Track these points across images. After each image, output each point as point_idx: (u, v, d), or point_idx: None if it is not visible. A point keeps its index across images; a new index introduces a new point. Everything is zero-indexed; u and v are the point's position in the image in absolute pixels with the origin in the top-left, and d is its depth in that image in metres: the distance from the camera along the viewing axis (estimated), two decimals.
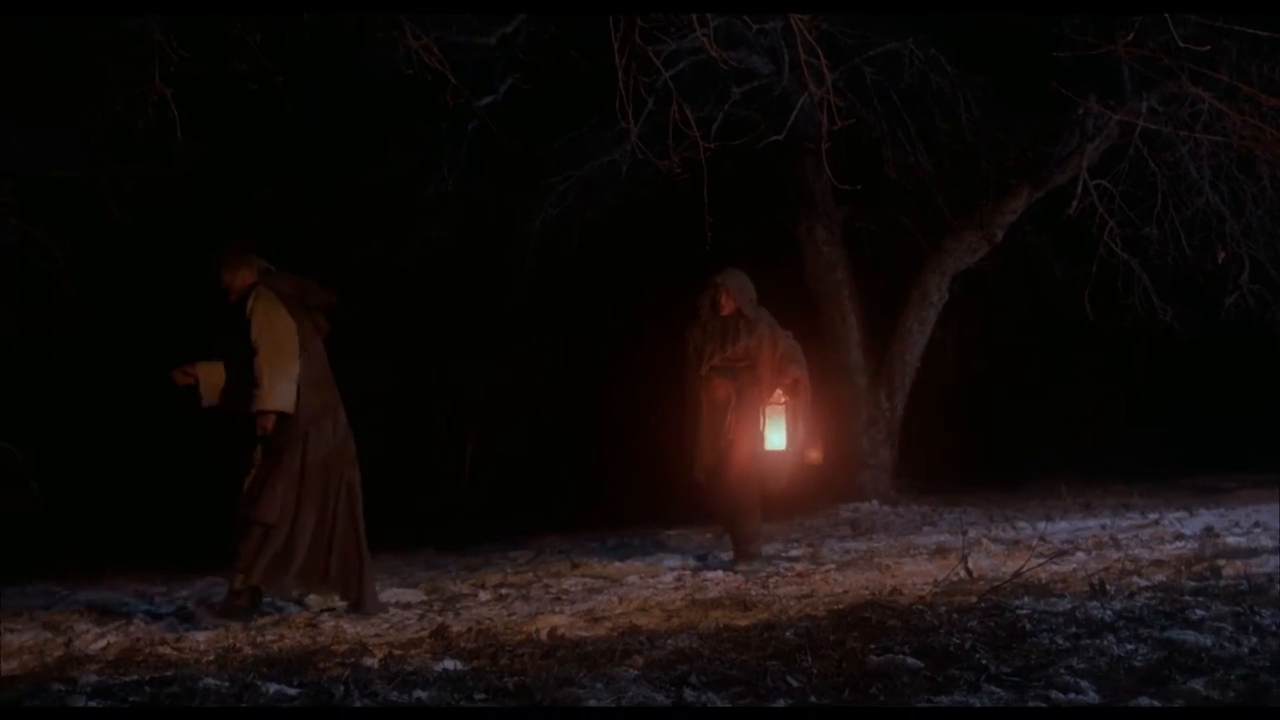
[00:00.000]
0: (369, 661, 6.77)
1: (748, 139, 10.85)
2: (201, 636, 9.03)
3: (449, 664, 6.49)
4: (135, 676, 6.11)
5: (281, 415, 9.36)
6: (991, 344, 20.19)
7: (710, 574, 10.58)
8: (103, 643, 9.34)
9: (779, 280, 18.25)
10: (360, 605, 9.60)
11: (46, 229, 16.09)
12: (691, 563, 11.76)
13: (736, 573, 10.61)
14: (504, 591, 10.59)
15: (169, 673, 6.39)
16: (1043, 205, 16.36)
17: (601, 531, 17.00)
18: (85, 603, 12.59)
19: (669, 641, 6.78)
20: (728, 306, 11.08)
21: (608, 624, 8.01)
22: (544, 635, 7.54)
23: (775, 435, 10.88)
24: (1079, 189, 14.12)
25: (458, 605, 9.86)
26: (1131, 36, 10.09)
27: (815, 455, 11.20)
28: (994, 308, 19.21)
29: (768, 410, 10.89)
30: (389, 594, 10.76)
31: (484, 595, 10.31)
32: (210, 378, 9.65)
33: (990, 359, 20.34)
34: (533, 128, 14.61)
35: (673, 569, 11.27)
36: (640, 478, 20.00)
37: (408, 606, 10.01)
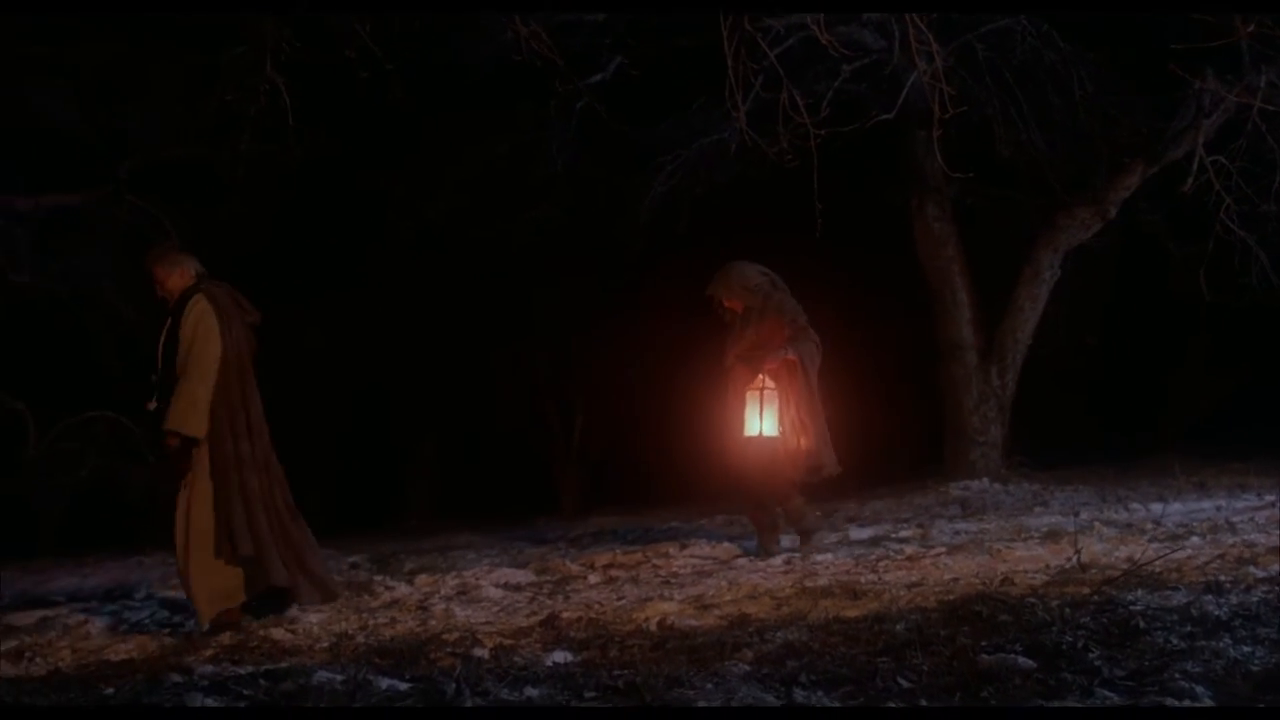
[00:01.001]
0: (479, 652, 6.80)
1: (858, 124, 10.74)
2: (315, 619, 9.13)
3: (559, 656, 6.52)
4: (250, 668, 6.18)
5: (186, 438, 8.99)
6: (1104, 321, 19.96)
7: (821, 557, 10.53)
8: None
9: (890, 256, 18.24)
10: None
11: (164, 208, 16.34)
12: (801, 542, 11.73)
13: (804, 556, 10.70)
14: (613, 573, 10.61)
15: (284, 664, 6.46)
16: (1157, 181, 16.12)
17: (711, 507, 17.00)
18: None
19: (778, 634, 6.76)
20: (731, 307, 11.04)
21: (717, 612, 7.98)
22: (653, 625, 7.53)
23: (754, 421, 10.73)
24: (1194, 165, 13.87)
25: (567, 588, 9.89)
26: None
27: (805, 442, 10.77)
28: (1107, 284, 18.98)
29: (748, 395, 10.79)
30: (499, 574, 10.82)
31: (593, 577, 10.34)
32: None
33: (1103, 336, 20.12)
34: (641, 107, 14.57)
35: (782, 550, 11.24)
36: None
37: (517, 588, 10.05)
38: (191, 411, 8.92)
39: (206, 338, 8.99)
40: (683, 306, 19.69)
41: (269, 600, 9.34)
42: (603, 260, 16.97)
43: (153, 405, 9.22)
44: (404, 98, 11.81)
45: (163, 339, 9.28)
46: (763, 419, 10.69)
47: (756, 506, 11.19)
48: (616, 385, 19.98)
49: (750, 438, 10.75)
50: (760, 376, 10.74)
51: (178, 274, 9.29)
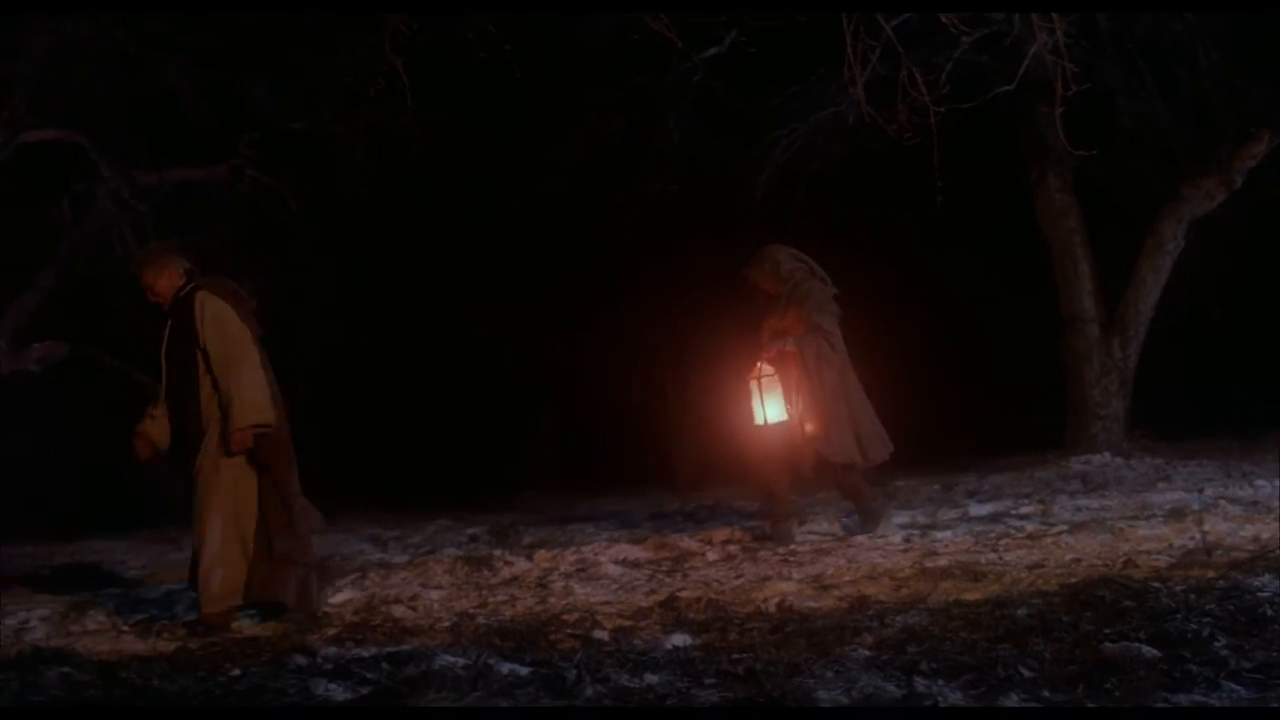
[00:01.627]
0: (599, 634, 6.84)
1: (978, 100, 10.62)
2: (436, 596, 9.21)
3: (678, 639, 6.54)
4: (374, 649, 6.23)
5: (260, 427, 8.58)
6: (1229, 292, 19.64)
7: (940, 535, 10.47)
8: (341, 598, 9.59)
9: (1011, 227, 18.07)
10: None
11: (284, 182, 16.49)
12: (921, 519, 11.68)
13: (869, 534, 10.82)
14: (731, 550, 10.61)
15: (406, 646, 6.52)
16: None
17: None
18: (321, 551, 12.92)
19: (898, 618, 6.74)
20: (764, 289, 11.15)
21: (836, 593, 7.97)
22: (772, 606, 7.54)
23: (759, 409, 10.76)
24: None
25: (685, 565, 9.90)
26: None
27: (811, 427, 10.74)
28: (1233, 255, 18.67)
29: (750, 384, 10.84)
30: (617, 550, 10.86)
31: (711, 554, 10.34)
32: (157, 431, 9.02)
33: (1227, 308, 19.79)
34: (758, 79, 14.49)
35: (902, 527, 11.20)
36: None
37: (636, 565, 10.08)
38: (263, 400, 8.61)
39: (234, 327, 8.72)
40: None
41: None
42: (718, 234, 16.90)
43: (158, 411, 9.00)
44: (521, 76, 11.78)
45: (165, 344, 9.03)
46: (765, 406, 10.73)
47: (770, 495, 11.19)
48: (731, 357, 19.94)
49: (760, 426, 10.78)
50: (758, 365, 10.80)
51: (166, 276, 8.99)
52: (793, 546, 10.45)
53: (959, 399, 20.58)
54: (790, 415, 10.72)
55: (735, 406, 11.07)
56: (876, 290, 19.78)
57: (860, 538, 10.64)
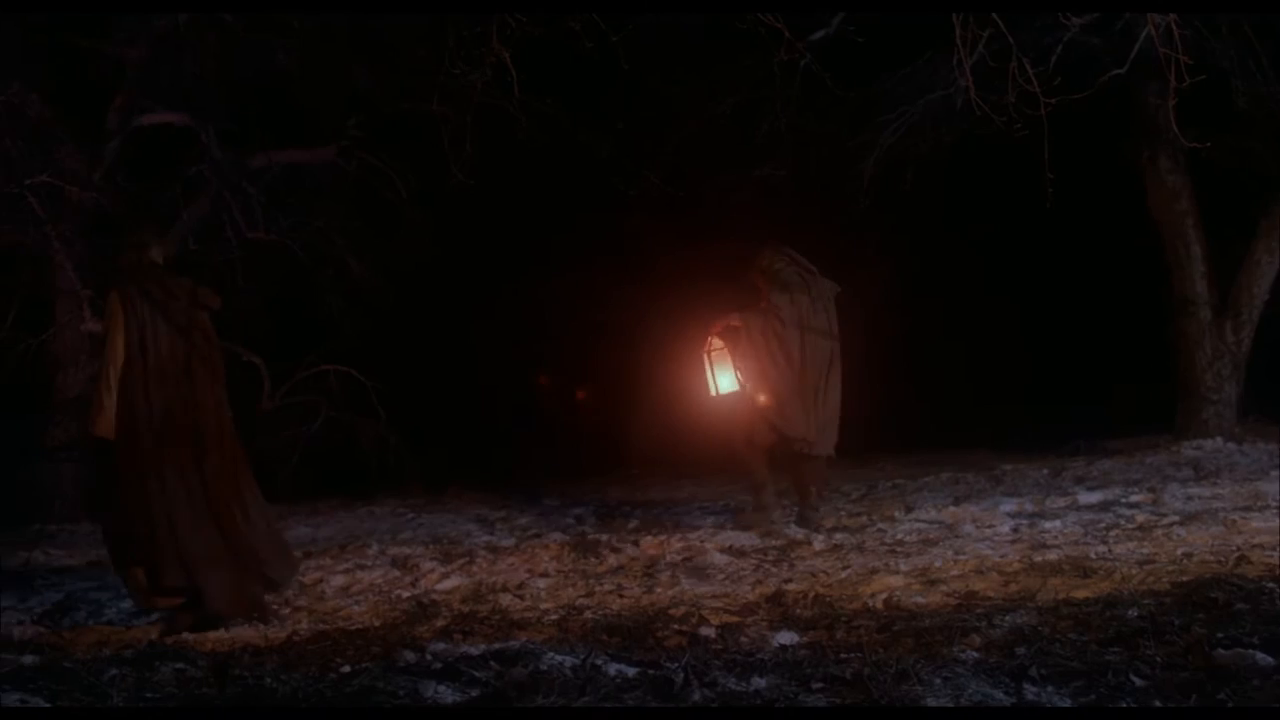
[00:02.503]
0: (706, 631, 6.84)
1: (1088, 90, 10.47)
2: (543, 584, 9.25)
3: (785, 637, 6.53)
4: (482, 647, 6.27)
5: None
6: None
7: (1049, 524, 10.38)
8: (449, 584, 9.65)
9: (1121, 210, 17.87)
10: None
11: (392, 164, 16.63)
12: (1029, 507, 11.59)
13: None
14: (838, 538, 10.58)
15: (514, 643, 6.55)
16: None
17: (938, 462, 16.89)
18: (429, 532, 13.04)
19: (1006, 618, 6.69)
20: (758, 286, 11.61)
21: (944, 588, 7.93)
22: (879, 603, 7.52)
23: (711, 382, 11.33)
24: None
25: (792, 555, 9.88)
26: None
27: (763, 399, 11.27)
28: None
29: (703, 357, 11.38)
30: (724, 537, 10.87)
31: (817, 543, 10.31)
32: None
33: None
34: (866, 63, 14.39)
35: (1009, 514, 11.13)
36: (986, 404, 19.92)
37: (742, 554, 10.07)
38: (98, 414, 8.43)
39: (111, 337, 8.45)
40: (901, 263, 19.67)
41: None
42: (827, 217, 16.86)
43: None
44: (628, 68, 11.79)
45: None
46: (717, 377, 11.28)
47: (753, 483, 11.77)
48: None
49: (714, 397, 11.34)
50: (709, 340, 11.34)
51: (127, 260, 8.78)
52: (899, 536, 10.41)
53: (1066, 382, 20.48)
54: (741, 386, 11.26)
55: (691, 380, 11.59)
56: (982, 276, 19.77)
57: (968, 527, 10.57)
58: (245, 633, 8.18)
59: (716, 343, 11.28)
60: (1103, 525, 10.14)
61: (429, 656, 6.10)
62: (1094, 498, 11.77)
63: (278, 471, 15.94)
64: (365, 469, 17.70)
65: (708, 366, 11.30)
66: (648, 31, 12.41)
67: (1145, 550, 8.87)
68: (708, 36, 14.03)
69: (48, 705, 5.10)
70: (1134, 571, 7.97)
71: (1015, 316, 20.52)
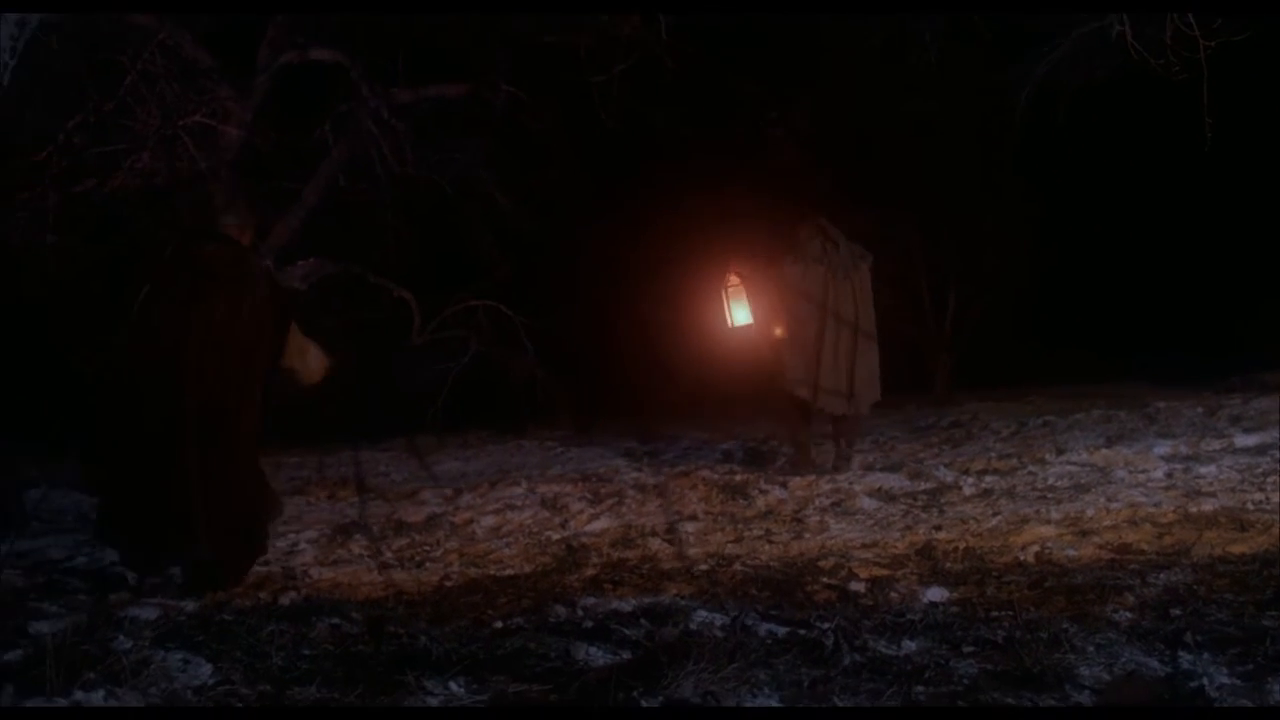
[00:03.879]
0: (855, 586, 6.83)
1: (1250, 31, 10.17)
2: (691, 529, 9.29)
3: (935, 593, 6.51)
4: (632, 604, 6.29)
5: None
6: None
7: (1204, 469, 10.22)
8: (599, 525, 9.73)
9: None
10: None
11: (540, 99, 16.60)
12: (1184, 449, 11.41)
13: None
14: (987, 482, 10.51)
15: (664, 598, 6.58)
16: None
17: (1088, 396, 16.70)
18: (577, 467, 13.12)
19: (1161, 576, 6.63)
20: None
21: (1096, 540, 7.86)
22: (1031, 556, 7.46)
23: (728, 315, 11.93)
24: None
25: (941, 500, 9.84)
26: None
27: (780, 331, 11.90)
28: None
29: (721, 293, 11.97)
30: (873, 479, 10.84)
31: (967, 488, 10.25)
32: None
33: None
34: None
35: (1163, 458, 10.97)
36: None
37: (891, 498, 10.06)
38: None
39: None
40: (1056, 200, 19.37)
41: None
42: (978, 152, 16.67)
43: None
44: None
45: None
46: (733, 311, 11.86)
47: (792, 436, 12.42)
48: (984, 268, 19.73)
49: (731, 329, 11.94)
50: (729, 276, 11.92)
51: None
52: (1050, 481, 10.32)
53: (1221, 315, 20.17)
54: (756, 319, 11.86)
55: (708, 312, 12.16)
56: (1137, 208, 19.41)
57: (1120, 471, 10.45)
58: (399, 576, 8.30)
59: (733, 279, 11.87)
60: (1260, 471, 9.96)
61: (580, 612, 6.14)
62: (1251, 440, 11.52)
63: (429, 406, 16.05)
64: (514, 403, 17.80)
65: (725, 301, 11.88)
66: None
67: None
68: None
69: (210, 664, 5.19)
70: None
71: (1170, 245, 20.18)
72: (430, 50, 16.74)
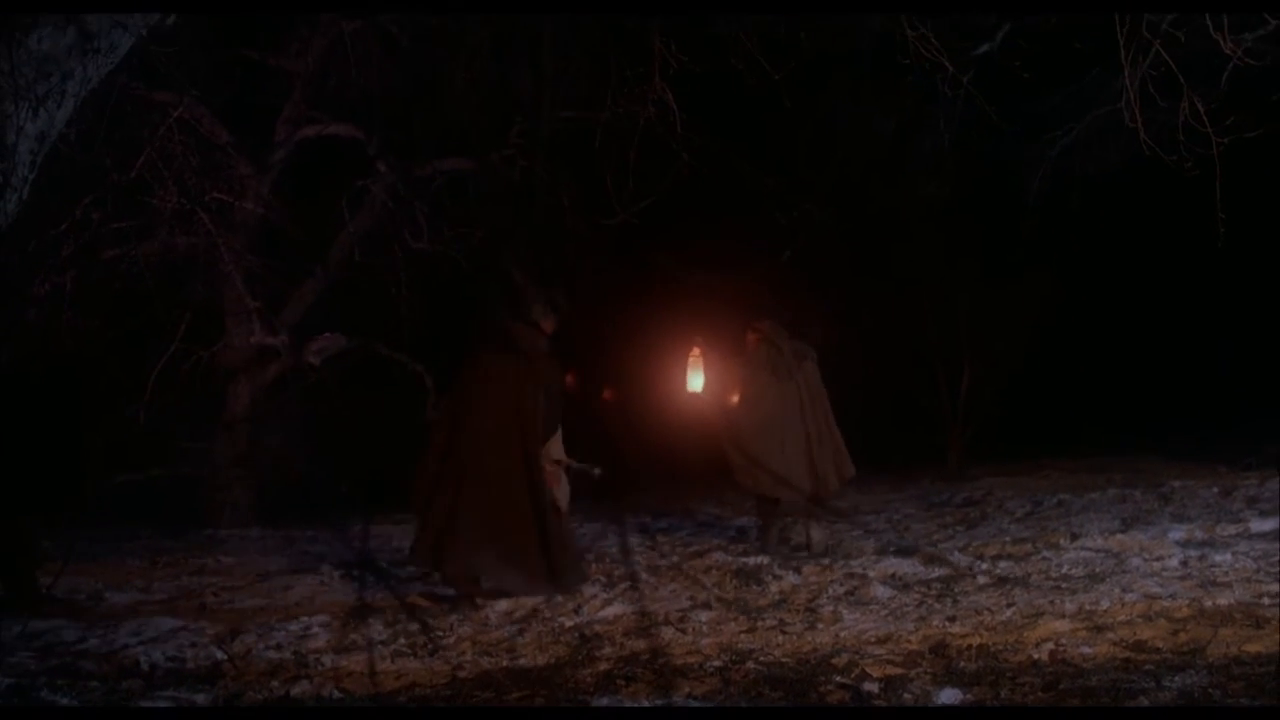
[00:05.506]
0: (869, 687, 6.82)
1: (1261, 129, 10.21)
2: (704, 618, 9.23)
3: (949, 695, 6.50)
4: (645, 701, 6.26)
5: None
6: None
7: (1219, 557, 10.19)
8: (610, 613, 9.70)
9: None
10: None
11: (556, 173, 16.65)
12: (1199, 534, 11.40)
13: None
14: (1001, 568, 10.48)
15: (677, 700, 6.55)
16: None
17: (1104, 471, 16.70)
18: (592, 544, 13.09)
19: (1176, 678, 6.61)
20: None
21: (1110, 636, 7.82)
22: (1045, 655, 7.43)
23: (686, 381, 12.50)
24: None
25: (955, 589, 9.78)
26: None
27: (732, 399, 12.45)
28: None
29: (688, 359, 12.52)
30: (887, 564, 10.82)
31: (981, 576, 10.20)
32: None
33: None
34: (1033, 79, 14.14)
35: (1178, 543, 10.96)
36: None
37: (905, 587, 9.99)
38: None
39: None
40: (1068, 282, 19.40)
41: None
42: (991, 234, 16.73)
43: None
44: (789, 105, 11.77)
45: None
46: (690, 379, 12.44)
47: (760, 512, 12.75)
48: (998, 345, 19.76)
49: (690, 393, 12.47)
50: (693, 347, 12.49)
51: None
52: (1064, 570, 10.27)
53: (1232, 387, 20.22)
54: (709, 388, 12.45)
55: (673, 376, 12.70)
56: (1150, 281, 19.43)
57: (1135, 560, 10.41)
58: (411, 665, 8.29)
59: (695, 351, 12.47)
60: (1275, 559, 9.92)
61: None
62: (1267, 525, 11.50)
63: None
64: None
65: (688, 368, 12.45)
66: (811, 56, 12.31)
67: None
68: (871, 52, 13.88)
69: None
70: None
71: (1186, 320, 20.23)
72: (446, 125, 16.84)
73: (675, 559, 11.98)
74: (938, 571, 10.50)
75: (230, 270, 15.59)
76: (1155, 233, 18.07)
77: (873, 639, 8.27)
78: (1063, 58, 13.80)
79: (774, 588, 10.26)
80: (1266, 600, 8.53)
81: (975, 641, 7.91)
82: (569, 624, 9.36)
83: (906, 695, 6.59)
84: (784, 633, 8.67)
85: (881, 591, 9.79)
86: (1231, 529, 11.46)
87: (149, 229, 14.40)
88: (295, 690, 7.24)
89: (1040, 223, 15.81)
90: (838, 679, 7.10)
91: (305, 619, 9.78)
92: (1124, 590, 9.18)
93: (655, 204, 15.14)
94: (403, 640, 9.10)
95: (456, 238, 16.70)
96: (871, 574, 10.47)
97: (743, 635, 8.66)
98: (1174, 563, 10.16)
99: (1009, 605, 9.02)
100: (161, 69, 13.25)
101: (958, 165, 15.43)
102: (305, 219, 16.30)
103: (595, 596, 10.28)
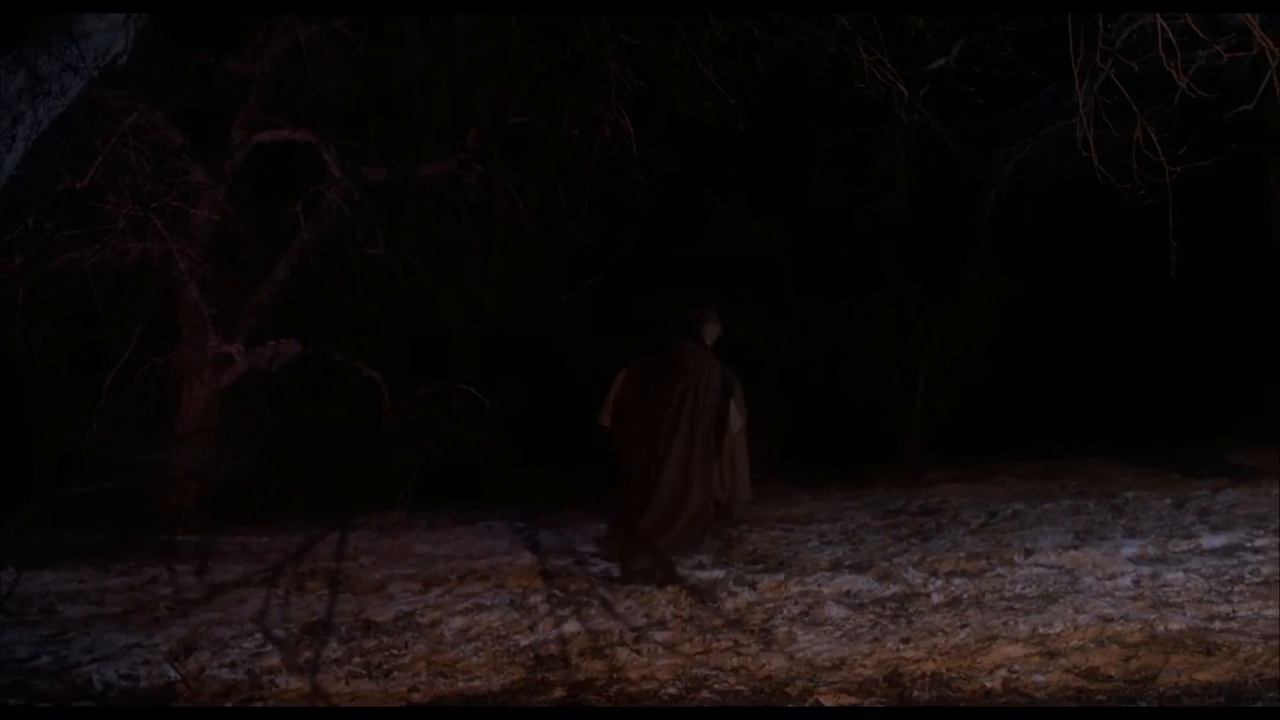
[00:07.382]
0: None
1: (1215, 158, 10.26)
2: (660, 638, 9.23)
3: None
4: None
5: None
6: None
7: (1171, 575, 10.23)
8: (565, 630, 9.68)
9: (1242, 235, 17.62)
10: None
11: (513, 180, 16.61)
12: (1151, 550, 11.44)
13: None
14: (955, 585, 10.48)
15: None
16: None
17: (1058, 478, 16.80)
18: (547, 557, 13.09)
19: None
20: None
21: (1063, 663, 7.86)
22: (998, 683, 7.47)
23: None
24: None
25: (910, 609, 9.79)
26: None
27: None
28: None
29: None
30: (841, 581, 10.82)
31: (935, 595, 10.20)
32: None
33: None
34: (987, 94, 14.18)
35: (1131, 561, 11.00)
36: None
37: (860, 606, 9.98)
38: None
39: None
40: (1024, 292, 19.50)
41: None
42: (947, 251, 16.81)
43: None
44: (745, 130, 11.79)
45: None
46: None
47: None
48: (957, 352, 19.82)
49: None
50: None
51: None
52: (1018, 589, 10.29)
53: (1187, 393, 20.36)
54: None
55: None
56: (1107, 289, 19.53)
57: (1088, 579, 10.43)
58: (366, 687, 8.29)
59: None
60: (1227, 579, 9.99)
61: None
62: (1218, 541, 11.55)
63: (398, 486, 15.93)
64: (484, 485, 17.76)
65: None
66: (766, 80, 12.32)
67: (1270, 613, 8.75)
68: (827, 68, 13.89)
69: None
70: (1259, 649, 7.85)
71: (1143, 326, 20.37)
72: (402, 131, 16.79)
73: None
74: (892, 589, 10.51)
75: (185, 277, 15.52)
76: (1112, 240, 18.13)
77: (827, 663, 8.29)
78: (1018, 74, 13.83)
79: (729, 604, 10.25)
80: (1217, 624, 8.58)
81: (929, 668, 7.94)
82: (524, 643, 9.36)
83: None
84: (739, 654, 8.67)
85: (836, 611, 9.79)
86: (1184, 545, 11.51)
87: (102, 236, 14.29)
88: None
89: (996, 232, 15.85)
90: (791, 707, 7.12)
91: (260, 635, 9.75)
92: (1077, 611, 9.21)
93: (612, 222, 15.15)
94: (357, 659, 9.08)
95: (412, 243, 16.66)
96: (826, 591, 10.47)
97: (698, 657, 8.66)
98: (1126, 581, 10.21)
99: (963, 627, 9.05)
100: (115, 73, 13.15)
101: (913, 179, 15.46)
102: (261, 225, 16.21)
103: (550, 614, 10.27)
